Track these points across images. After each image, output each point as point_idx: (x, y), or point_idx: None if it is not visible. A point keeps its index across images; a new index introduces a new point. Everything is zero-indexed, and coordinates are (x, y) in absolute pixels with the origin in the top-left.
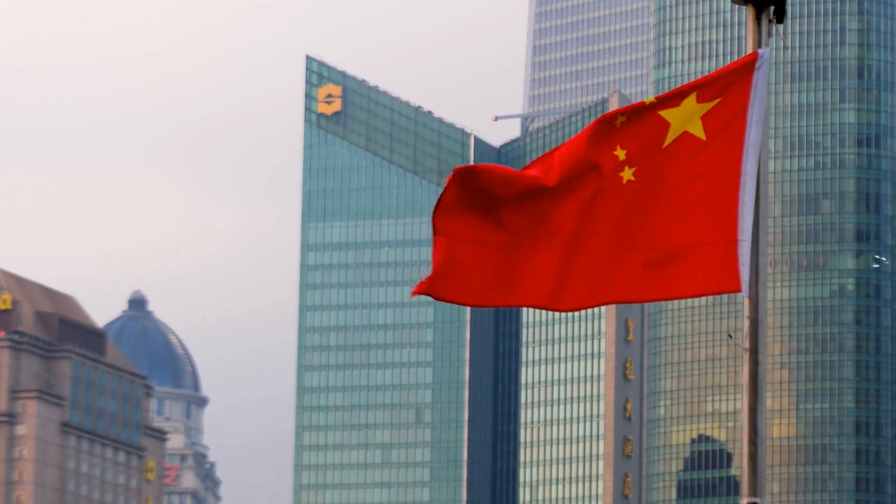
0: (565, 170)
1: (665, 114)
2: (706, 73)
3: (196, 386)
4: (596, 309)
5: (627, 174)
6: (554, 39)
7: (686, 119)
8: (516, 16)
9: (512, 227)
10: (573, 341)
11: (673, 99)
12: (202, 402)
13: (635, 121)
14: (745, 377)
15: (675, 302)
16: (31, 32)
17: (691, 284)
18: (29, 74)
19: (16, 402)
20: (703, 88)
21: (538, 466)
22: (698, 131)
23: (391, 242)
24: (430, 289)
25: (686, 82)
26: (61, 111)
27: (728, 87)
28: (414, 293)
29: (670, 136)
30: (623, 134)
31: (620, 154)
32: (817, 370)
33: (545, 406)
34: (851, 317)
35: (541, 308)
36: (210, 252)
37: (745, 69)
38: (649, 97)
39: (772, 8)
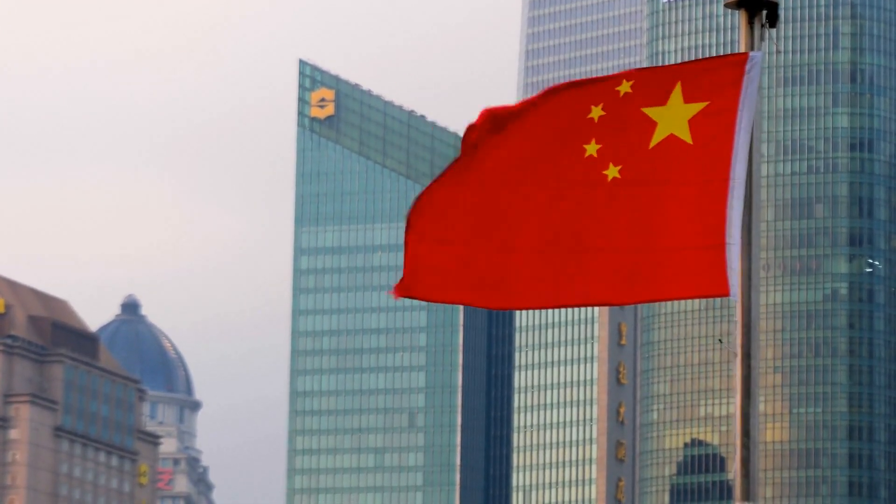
0: (535, 160)
1: (650, 111)
2: None
3: (189, 390)
4: (589, 313)
5: (613, 171)
6: (547, 43)
7: (673, 120)
8: (509, 19)
9: (486, 224)
10: (566, 345)
11: (656, 94)
12: (195, 406)
13: (616, 116)
14: (737, 381)
15: (668, 306)
16: (26, 35)
17: (678, 287)
18: (22, 77)
19: (8, 406)
20: (688, 83)
21: (531, 471)
22: (685, 135)
23: (384, 246)
24: (409, 290)
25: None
26: (55, 114)
27: (716, 90)
28: (397, 296)
29: (656, 137)
30: (601, 128)
31: (592, 149)
32: (810, 374)
33: (538, 410)
34: (844, 321)
35: (527, 308)
36: (203, 256)
37: (734, 70)
38: (623, 84)
39: (764, 12)
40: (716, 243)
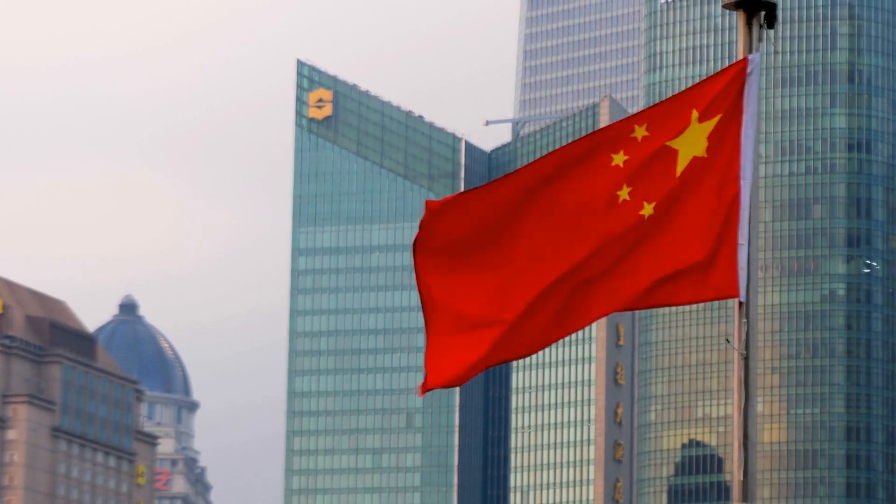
0: (575, 215)
1: (672, 143)
2: (696, 78)
3: (187, 390)
4: None
5: (648, 209)
6: (545, 44)
7: (693, 143)
8: (507, 20)
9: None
10: (564, 346)
11: (675, 127)
12: (193, 406)
13: (638, 158)
14: (735, 382)
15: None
16: (22, 30)
17: (690, 291)
18: (18, 73)
19: (6, 406)
20: (702, 106)
21: (529, 471)
22: (702, 152)
23: (382, 247)
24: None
25: (676, 88)
26: (51, 111)
27: (725, 100)
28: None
29: (680, 165)
30: (628, 172)
31: (624, 193)
32: (808, 375)
33: (536, 411)
34: (842, 322)
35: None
36: (201, 256)
37: (737, 77)
38: (637, 130)
39: (762, 13)
40: (727, 244)
